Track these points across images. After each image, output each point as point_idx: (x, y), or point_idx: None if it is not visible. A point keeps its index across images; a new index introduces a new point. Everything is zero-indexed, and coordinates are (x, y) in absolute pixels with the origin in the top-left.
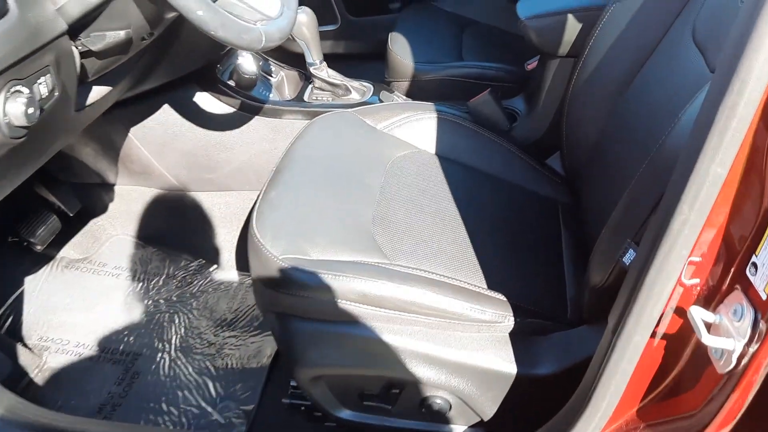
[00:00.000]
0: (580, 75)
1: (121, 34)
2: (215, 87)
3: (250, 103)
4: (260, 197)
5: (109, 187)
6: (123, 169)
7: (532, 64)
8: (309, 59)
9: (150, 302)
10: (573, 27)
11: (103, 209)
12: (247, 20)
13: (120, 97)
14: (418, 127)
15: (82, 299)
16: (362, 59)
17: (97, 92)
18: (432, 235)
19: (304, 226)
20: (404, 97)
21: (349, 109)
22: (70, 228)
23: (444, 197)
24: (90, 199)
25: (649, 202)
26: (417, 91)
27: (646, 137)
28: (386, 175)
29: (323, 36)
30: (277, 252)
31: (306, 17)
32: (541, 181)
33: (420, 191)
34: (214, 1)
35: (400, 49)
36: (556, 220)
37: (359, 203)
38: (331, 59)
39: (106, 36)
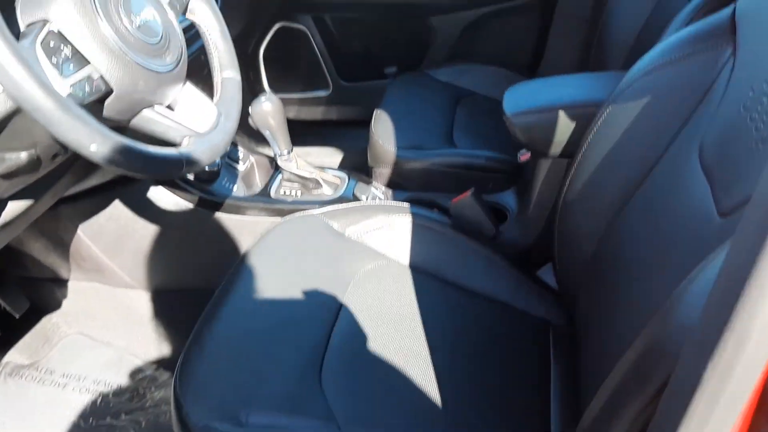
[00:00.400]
0: (575, 180)
1: (23, 156)
2: (171, 181)
3: (210, 199)
4: (193, 333)
5: (62, 283)
6: (75, 265)
7: (525, 156)
8: (276, 150)
9: (94, 420)
10: (565, 125)
11: (56, 306)
12: (171, 138)
13: (57, 199)
14: (390, 233)
15: (20, 416)
16: (356, 125)
17: (15, 208)
18: (395, 383)
19: (237, 379)
20: (383, 188)
21: (317, 210)
22: (19, 327)
23: (414, 325)
24: (42, 295)
25: (634, 405)
26: (399, 180)
27: (645, 277)
28: (348, 296)
29: (315, 102)
30: (198, 417)
31: (271, 106)
32: (531, 297)
33: (386, 318)
34: (126, 124)
35: (382, 133)
36: (546, 347)
37: (310, 341)
38: (323, 125)
39: (6, 158)
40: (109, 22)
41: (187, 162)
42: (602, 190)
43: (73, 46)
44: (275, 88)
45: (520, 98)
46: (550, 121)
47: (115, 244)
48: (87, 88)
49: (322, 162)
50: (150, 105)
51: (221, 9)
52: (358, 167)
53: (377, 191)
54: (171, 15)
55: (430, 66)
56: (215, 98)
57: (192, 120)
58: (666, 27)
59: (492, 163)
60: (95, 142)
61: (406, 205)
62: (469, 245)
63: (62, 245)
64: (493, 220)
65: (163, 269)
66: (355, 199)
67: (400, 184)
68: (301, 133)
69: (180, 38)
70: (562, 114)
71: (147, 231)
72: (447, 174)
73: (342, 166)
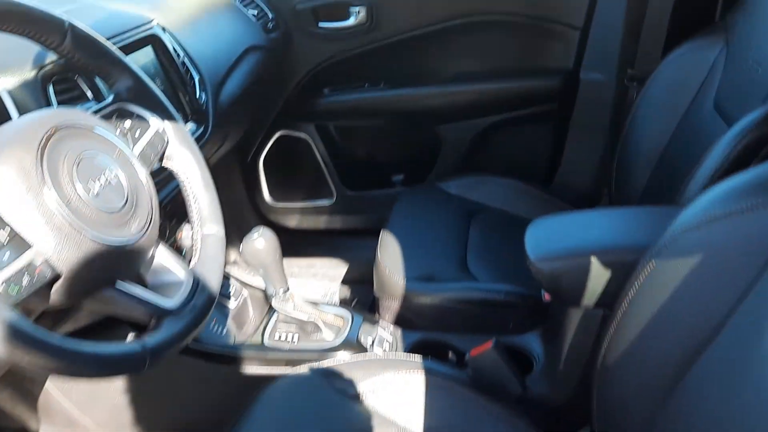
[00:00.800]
0: (616, 341)
1: None
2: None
3: (195, 348)
4: None
5: None
6: (45, 417)
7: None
8: (270, 290)
9: None
10: (599, 274)
11: None
12: (136, 318)
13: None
14: (400, 394)
15: None
16: (362, 234)
17: None
18: None
19: None
20: (391, 328)
21: (315, 365)
22: None
23: None
24: None
25: None
26: (409, 314)
27: None
28: None
29: (318, 211)
30: None
31: (264, 243)
32: None
33: None
34: (81, 305)
35: (389, 260)
36: None
37: None
38: (327, 235)
39: None
40: (58, 193)
41: (153, 355)
42: (650, 359)
43: (11, 228)
44: (276, 197)
45: (545, 239)
46: (582, 269)
47: (88, 397)
48: (26, 280)
49: (326, 273)
50: (110, 283)
51: (215, 124)
52: (363, 280)
53: (385, 332)
54: (141, 170)
55: (440, 174)
56: (194, 259)
57: (163, 291)
58: (698, 139)
59: (513, 298)
60: (28, 355)
61: (417, 359)
62: (491, 408)
63: (30, 397)
64: (518, 372)
65: (144, 425)
66: (359, 344)
67: (410, 320)
68: (304, 243)
69: (150, 195)
70: (595, 261)
71: (124, 383)
72: (462, 311)
73: (347, 279)
